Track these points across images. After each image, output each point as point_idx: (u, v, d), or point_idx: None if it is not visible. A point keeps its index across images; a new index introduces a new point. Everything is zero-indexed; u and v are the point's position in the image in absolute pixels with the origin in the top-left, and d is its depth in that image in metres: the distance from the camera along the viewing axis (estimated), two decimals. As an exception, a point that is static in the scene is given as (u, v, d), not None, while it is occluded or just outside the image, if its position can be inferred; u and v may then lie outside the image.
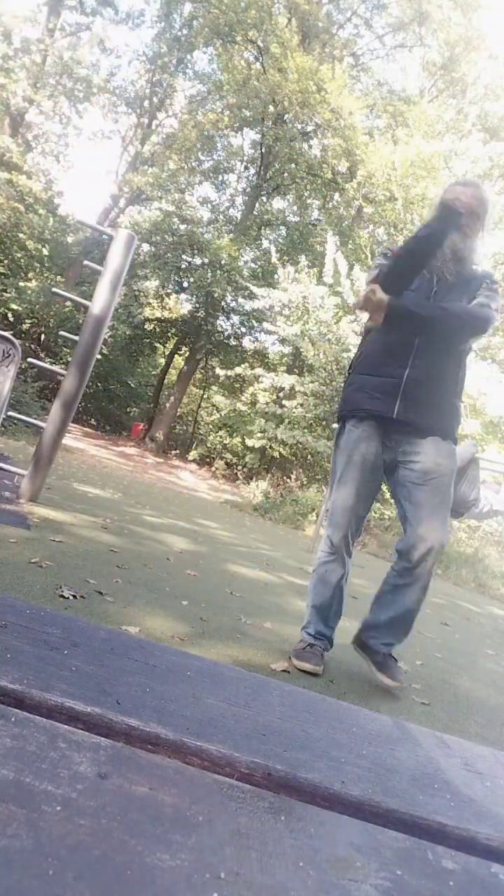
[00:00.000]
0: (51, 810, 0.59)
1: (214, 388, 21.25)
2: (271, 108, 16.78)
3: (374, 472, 1.94)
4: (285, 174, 18.50)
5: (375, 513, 10.61)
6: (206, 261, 15.74)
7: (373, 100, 17.47)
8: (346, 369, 2.81)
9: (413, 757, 1.01)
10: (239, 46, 17.80)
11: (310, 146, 17.68)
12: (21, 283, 15.25)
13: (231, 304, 16.89)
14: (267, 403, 14.00)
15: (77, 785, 0.64)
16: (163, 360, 22.73)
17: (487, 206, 1.91)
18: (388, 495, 5.22)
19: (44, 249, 16.35)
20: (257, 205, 19.50)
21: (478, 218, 1.88)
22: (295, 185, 18.79)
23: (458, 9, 16.55)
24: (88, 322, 3.32)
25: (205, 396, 22.59)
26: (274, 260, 12.79)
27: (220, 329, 18.00)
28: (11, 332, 9.11)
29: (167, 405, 19.48)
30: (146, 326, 19.70)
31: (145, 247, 16.56)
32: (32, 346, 15.94)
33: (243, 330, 18.42)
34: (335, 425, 2.28)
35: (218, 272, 15.49)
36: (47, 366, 3.84)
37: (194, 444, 20.55)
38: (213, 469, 17.30)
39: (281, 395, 14.73)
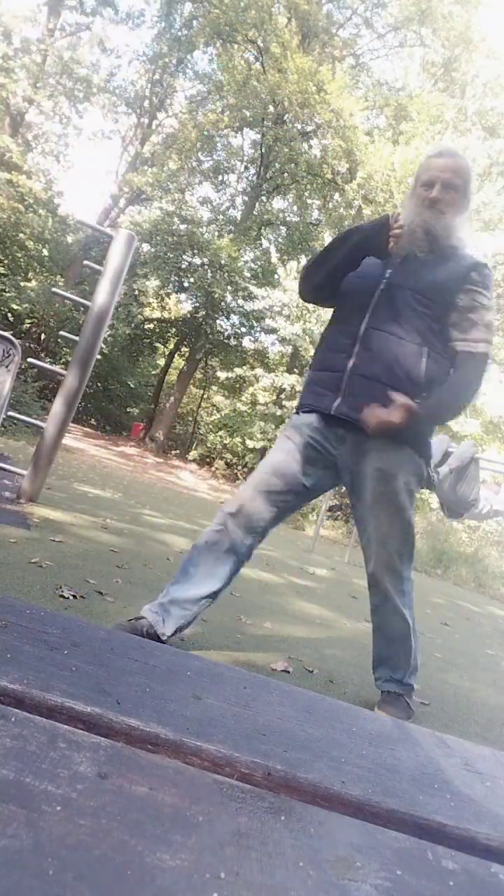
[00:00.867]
0: (51, 810, 0.59)
1: (214, 388, 21.27)
2: (271, 109, 16.78)
3: (307, 461, 1.66)
4: (285, 174, 18.49)
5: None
6: (206, 261, 15.73)
7: (373, 99, 17.47)
8: None
9: (413, 757, 1.01)
10: (239, 47, 17.82)
11: (310, 146, 17.67)
12: (21, 283, 15.26)
13: (231, 305, 16.88)
14: (266, 404, 14.02)
15: (77, 785, 0.64)
16: (163, 360, 22.73)
17: (467, 175, 1.64)
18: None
19: (44, 249, 16.38)
20: (257, 205, 19.48)
21: (455, 191, 1.62)
22: (295, 186, 18.78)
23: (458, 3, 16.54)
24: (88, 321, 3.33)
25: (205, 396, 22.60)
26: (274, 260, 12.78)
27: (220, 329, 17.99)
28: (11, 332, 9.10)
29: (167, 405, 19.47)
30: (146, 326, 19.69)
31: (145, 247, 16.55)
32: (32, 346, 15.95)
33: (243, 330, 18.41)
34: None
35: (218, 272, 15.48)
36: (47, 366, 3.84)
37: (194, 444, 20.57)
38: (213, 469, 17.31)
39: (281, 395, 14.76)
